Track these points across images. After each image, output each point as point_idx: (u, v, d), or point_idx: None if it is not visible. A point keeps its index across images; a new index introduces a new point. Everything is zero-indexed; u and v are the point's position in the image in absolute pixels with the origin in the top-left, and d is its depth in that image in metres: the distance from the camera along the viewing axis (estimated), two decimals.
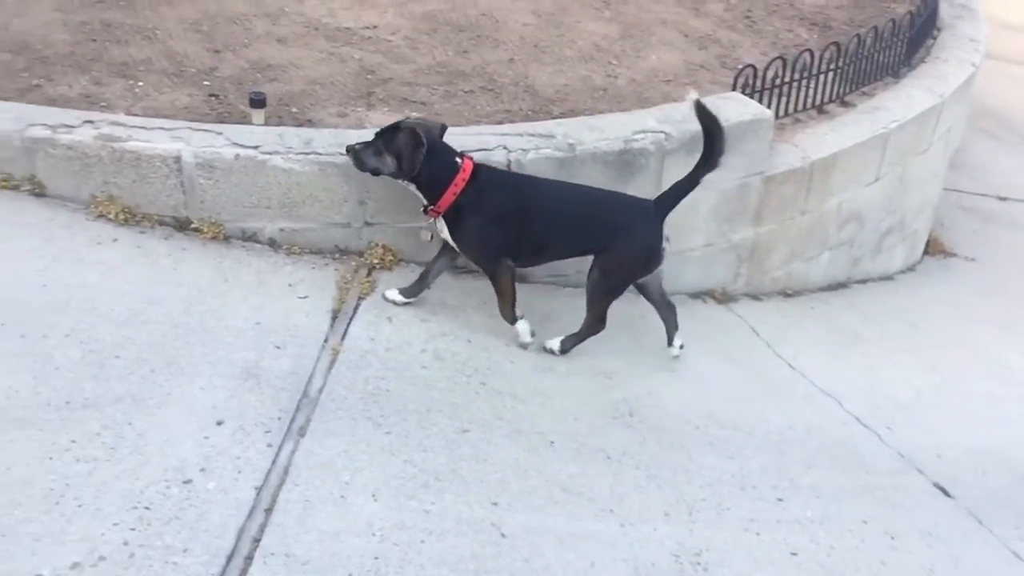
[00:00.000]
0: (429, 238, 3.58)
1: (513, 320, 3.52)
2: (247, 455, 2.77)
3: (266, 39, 4.54)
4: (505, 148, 3.67)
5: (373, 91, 4.26)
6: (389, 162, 3.33)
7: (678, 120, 3.91)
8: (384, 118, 4.05)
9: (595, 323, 3.54)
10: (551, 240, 3.50)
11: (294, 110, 4.03)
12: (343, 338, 3.33)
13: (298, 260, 3.67)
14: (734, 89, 4.31)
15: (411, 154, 3.26)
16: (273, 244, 3.70)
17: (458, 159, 3.36)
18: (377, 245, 3.72)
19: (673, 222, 3.46)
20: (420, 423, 3.06)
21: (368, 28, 4.80)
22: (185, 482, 2.63)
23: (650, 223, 3.44)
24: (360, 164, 3.39)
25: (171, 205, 3.62)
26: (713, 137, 3.30)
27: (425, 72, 4.48)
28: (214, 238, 3.65)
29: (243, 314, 3.33)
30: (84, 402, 2.81)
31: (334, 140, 3.64)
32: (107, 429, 2.74)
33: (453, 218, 3.38)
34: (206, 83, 4.12)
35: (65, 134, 3.53)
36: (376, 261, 3.70)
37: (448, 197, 3.34)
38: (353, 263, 3.71)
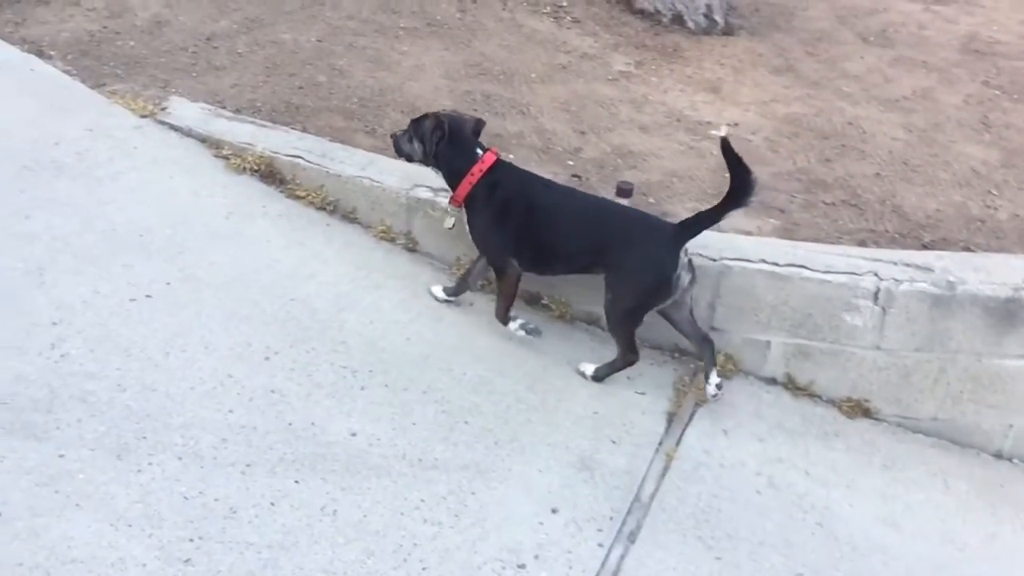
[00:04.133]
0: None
1: (505, 322, 3.50)
2: (578, 551, 2.75)
3: (629, 125, 4.62)
4: (876, 275, 3.45)
5: None
6: (416, 147, 3.45)
7: None
8: (740, 221, 3.95)
9: (626, 353, 3.40)
10: (556, 246, 3.40)
11: (651, 200, 4.05)
12: (677, 444, 3.25)
13: None
14: None
15: (428, 138, 3.39)
16: None
17: (479, 150, 3.42)
18: (719, 352, 3.61)
19: None
20: (751, 555, 2.89)
21: (729, 125, 4.75)
22: (519, 566, 2.65)
23: (663, 246, 3.24)
24: (398, 150, 3.55)
25: (527, 279, 3.73)
26: (741, 175, 3.13)
27: (784, 177, 4.34)
28: (560, 317, 3.72)
29: (582, 400, 3.34)
30: (434, 462, 2.92)
31: (694, 241, 3.57)
32: (452, 495, 2.83)
33: (468, 208, 3.45)
34: (570, 163, 4.25)
35: (444, 199, 3.75)
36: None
37: (464, 186, 3.40)
38: (692, 365, 3.63)
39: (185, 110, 4.23)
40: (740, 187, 3.14)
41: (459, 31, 5.28)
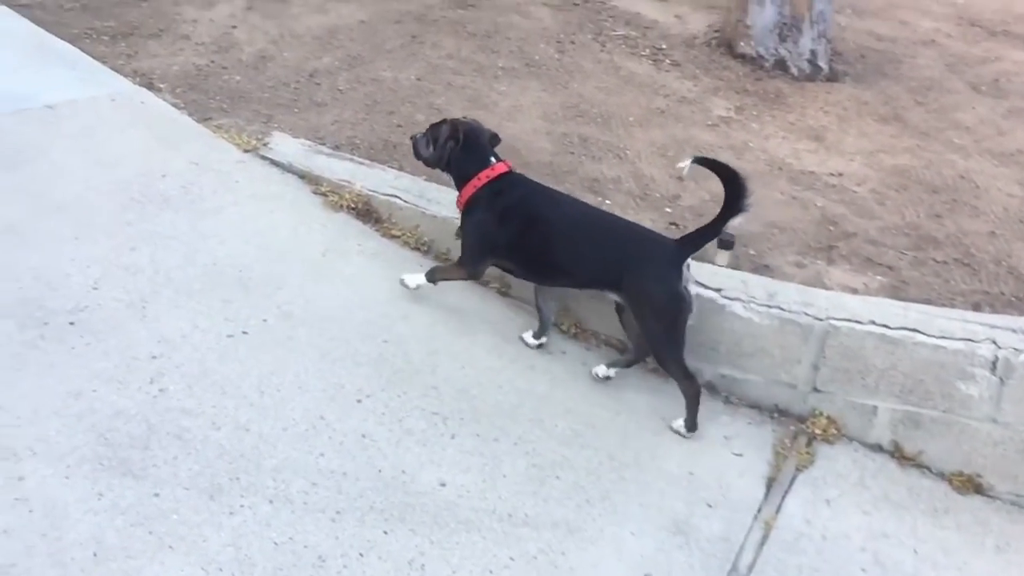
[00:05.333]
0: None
1: (429, 279, 3.53)
2: None
3: None
4: (994, 343, 3.26)
5: (835, 245, 4.04)
6: (431, 151, 3.51)
7: None
8: (845, 277, 3.81)
9: (687, 386, 3.31)
10: (557, 257, 3.38)
11: (751, 252, 3.93)
12: (777, 512, 3.10)
13: (735, 411, 3.52)
14: None
15: (443, 143, 3.45)
16: (710, 389, 3.58)
17: (492, 159, 3.46)
18: (821, 415, 3.46)
19: None
20: None
21: (833, 175, 4.60)
22: None
23: (664, 262, 3.22)
24: (416, 152, 3.60)
25: (617, 327, 3.64)
26: (732, 183, 3.12)
27: (892, 232, 4.17)
28: (655, 370, 3.61)
29: (676, 459, 3.23)
30: (524, 519, 2.85)
31: (799, 298, 3.47)
32: (543, 554, 2.74)
33: (466, 209, 3.46)
34: (668, 210, 4.16)
35: None
36: (818, 432, 3.43)
37: (469, 189, 3.43)
38: (792, 428, 3.48)
39: (286, 146, 4.29)
40: (734, 193, 3.13)
41: (557, 72, 5.26)
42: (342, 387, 3.15)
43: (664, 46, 5.74)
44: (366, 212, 4.02)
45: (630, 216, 4.05)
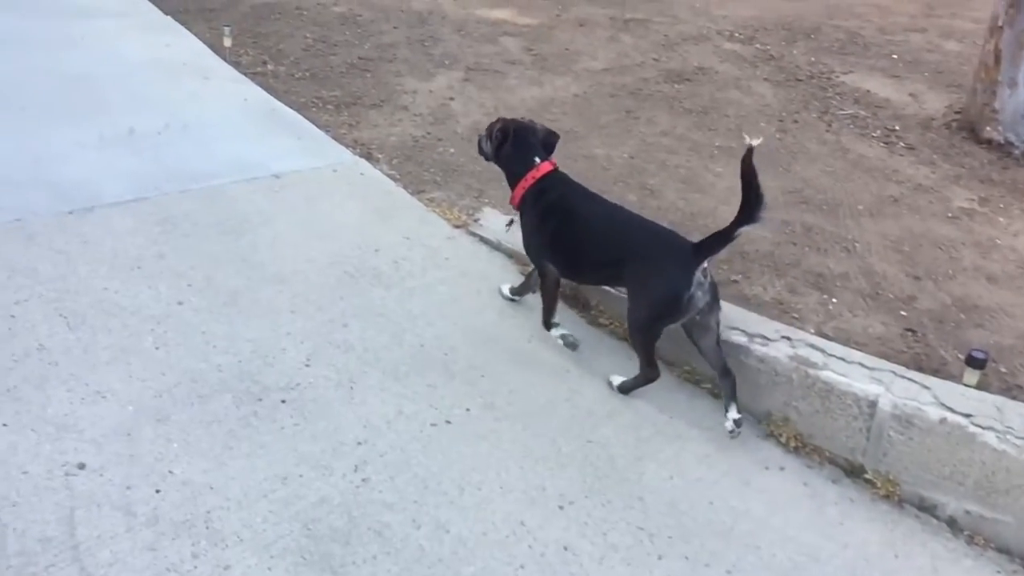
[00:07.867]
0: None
1: (548, 327, 3.65)
2: None
3: (973, 273, 4.06)
4: None
5: None
6: (486, 149, 3.69)
7: None
8: None
9: (644, 368, 3.41)
10: (584, 254, 3.50)
11: (1003, 369, 3.48)
12: None
13: (980, 555, 3.08)
14: None
15: (491, 141, 3.64)
16: (952, 525, 3.16)
17: (537, 159, 3.57)
18: None
19: None
20: None
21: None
22: None
23: (676, 262, 3.26)
24: (479, 148, 3.75)
25: (848, 447, 3.30)
26: (751, 189, 3.08)
27: None
28: (886, 497, 3.23)
29: None
30: None
31: None
32: None
33: (520, 211, 3.64)
34: (903, 313, 3.78)
35: (760, 346, 3.44)
36: None
37: (519, 191, 3.59)
38: None
39: (496, 222, 4.24)
40: (751, 202, 3.10)
41: (778, 153, 4.98)
42: (544, 490, 2.99)
43: (897, 127, 5.33)
44: (573, 297, 3.89)
45: (859, 317, 3.72)
